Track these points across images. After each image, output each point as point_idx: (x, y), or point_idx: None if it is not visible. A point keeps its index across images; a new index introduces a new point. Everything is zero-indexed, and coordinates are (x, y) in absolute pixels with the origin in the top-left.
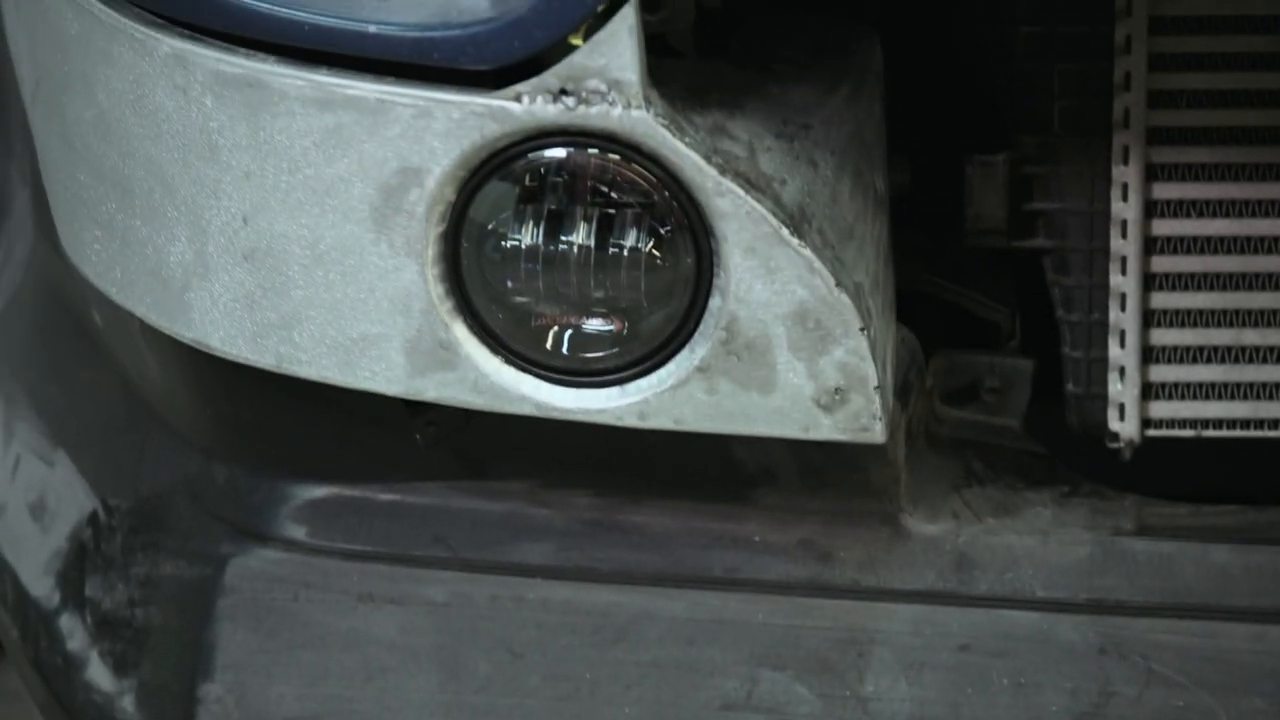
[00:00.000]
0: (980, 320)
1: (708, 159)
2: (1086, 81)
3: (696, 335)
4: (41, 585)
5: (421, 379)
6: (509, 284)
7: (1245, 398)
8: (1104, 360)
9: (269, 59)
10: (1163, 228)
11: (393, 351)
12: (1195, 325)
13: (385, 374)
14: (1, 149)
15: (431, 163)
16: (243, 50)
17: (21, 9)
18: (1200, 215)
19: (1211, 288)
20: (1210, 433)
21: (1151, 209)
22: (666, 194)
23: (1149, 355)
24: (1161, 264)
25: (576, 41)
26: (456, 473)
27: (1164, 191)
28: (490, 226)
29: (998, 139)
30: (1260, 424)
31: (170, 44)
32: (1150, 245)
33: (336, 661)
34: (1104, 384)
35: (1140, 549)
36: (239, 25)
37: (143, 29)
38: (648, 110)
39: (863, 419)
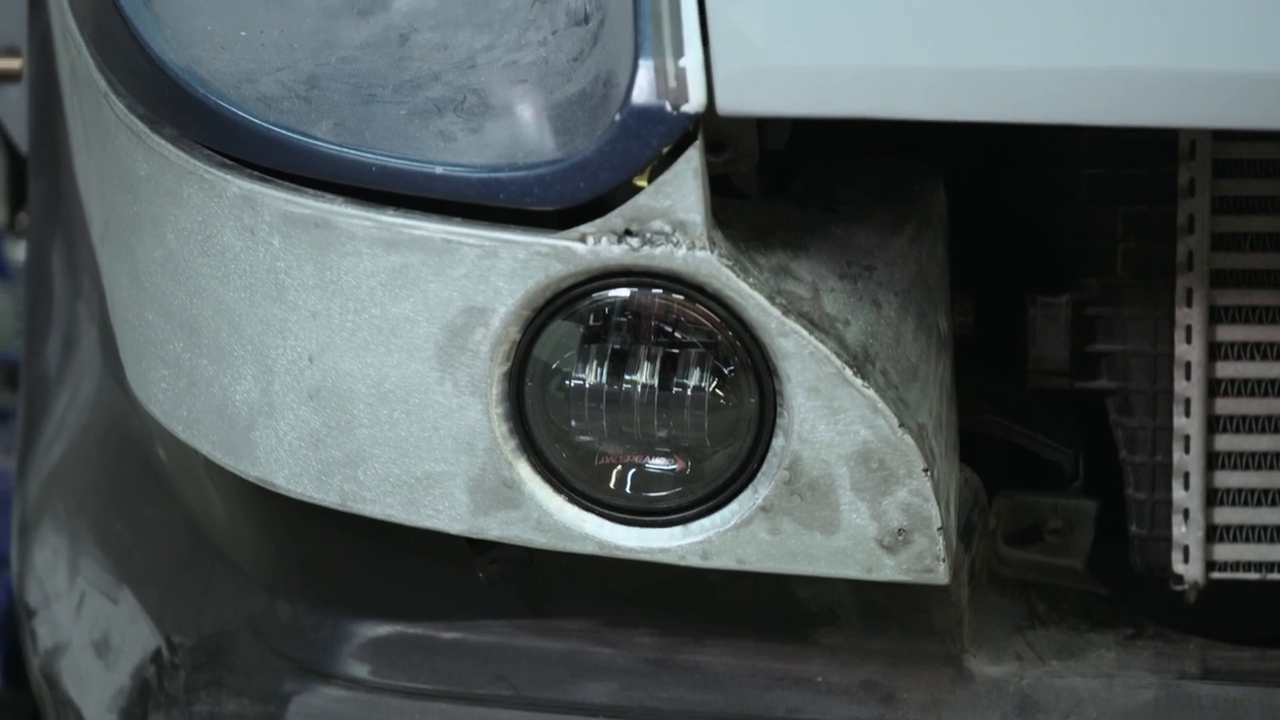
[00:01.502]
0: (1043, 461)
1: (771, 299)
2: (1150, 224)
3: (760, 475)
4: None
5: (485, 517)
6: (572, 423)
7: None
8: (1168, 502)
9: (336, 199)
10: (1226, 370)
11: (456, 490)
12: (1260, 468)
13: (449, 512)
14: (70, 287)
15: (496, 302)
16: (311, 191)
17: (92, 150)
18: (1264, 358)
19: (1276, 430)
20: (1275, 575)
21: (1215, 351)
22: (730, 334)
23: (1213, 498)
24: (1225, 406)
25: (641, 183)
26: (519, 611)
27: (1228, 334)
28: (554, 365)
29: (1061, 280)
30: None
31: (239, 185)
32: (1214, 387)
33: None
34: (1168, 526)
35: (1205, 693)
36: (307, 166)
37: (212, 170)
38: (712, 251)
39: (926, 560)
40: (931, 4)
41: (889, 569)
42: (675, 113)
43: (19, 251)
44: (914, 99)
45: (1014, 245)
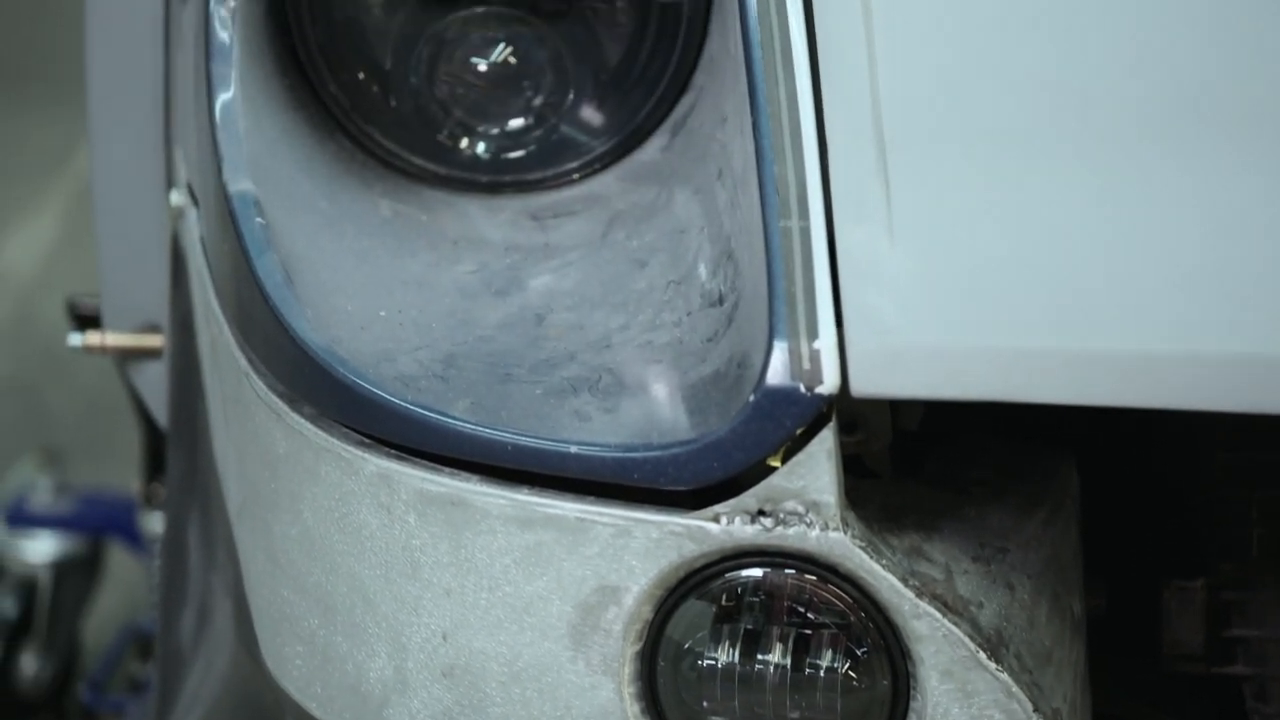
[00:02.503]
0: None
1: (905, 581)
2: None
3: None
4: None
5: None
6: (704, 703)
7: None
8: None
9: (472, 478)
10: None
11: None
12: None
13: None
14: (205, 560)
15: (630, 581)
16: (447, 469)
17: (231, 426)
18: None
19: None
20: None
21: None
22: (863, 615)
23: None
24: None
25: (775, 463)
26: None
27: None
28: (686, 645)
29: (1195, 564)
30: None
31: (376, 463)
32: None
33: None
34: None
35: None
36: (444, 445)
37: (350, 448)
38: (845, 533)
39: None
40: (1067, 288)
41: None
42: (809, 394)
43: (154, 523)
44: (1049, 383)
45: (1148, 527)
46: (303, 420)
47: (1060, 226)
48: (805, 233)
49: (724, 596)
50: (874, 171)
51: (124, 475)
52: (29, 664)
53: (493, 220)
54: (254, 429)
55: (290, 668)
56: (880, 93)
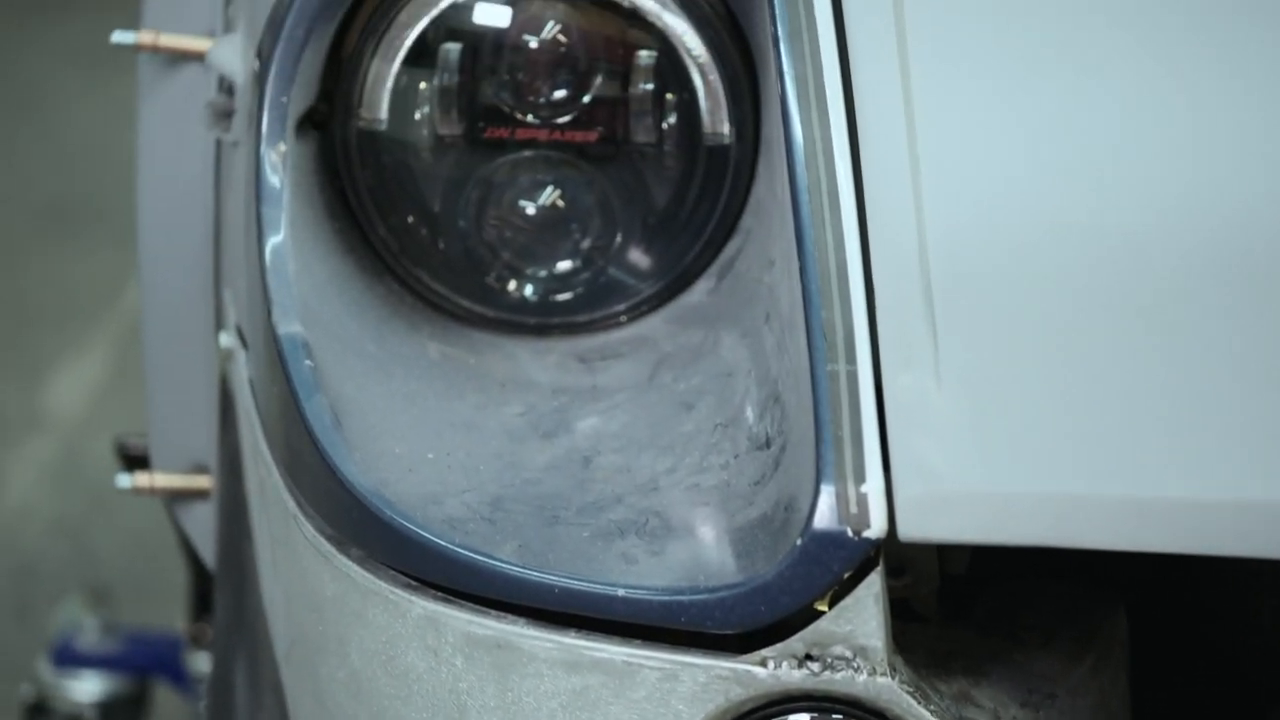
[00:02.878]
0: None
1: None
2: None
3: None
4: None
5: None
6: None
7: None
8: None
9: (519, 621)
10: None
11: None
12: None
13: None
14: (252, 702)
15: None
16: (494, 612)
17: (279, 569)
18: None
19: None
20: None
21: None
22: None
23: None
24: None
25: (822, 607)
26: None
27: None
28: None
29: (1247, 712)
30: None
31: (423, 605)
32: None
33: None
34: None
35: None
36: (491, 588)
37: (397, 591)
38: (893, 677)
39: None
40: (1116, 434)
41: None
42: (857, 538)
43: (200, 663)
44: (1098, 529)
45: (1198, 674)
46: (350, 563)
47: (1110, 373)
48: (852, 377)
49: None
50: (921, 316)
51: (171, 616)
52: None
53: (540, 362)
54: (301, 571)
55: None
56: (927, 237)
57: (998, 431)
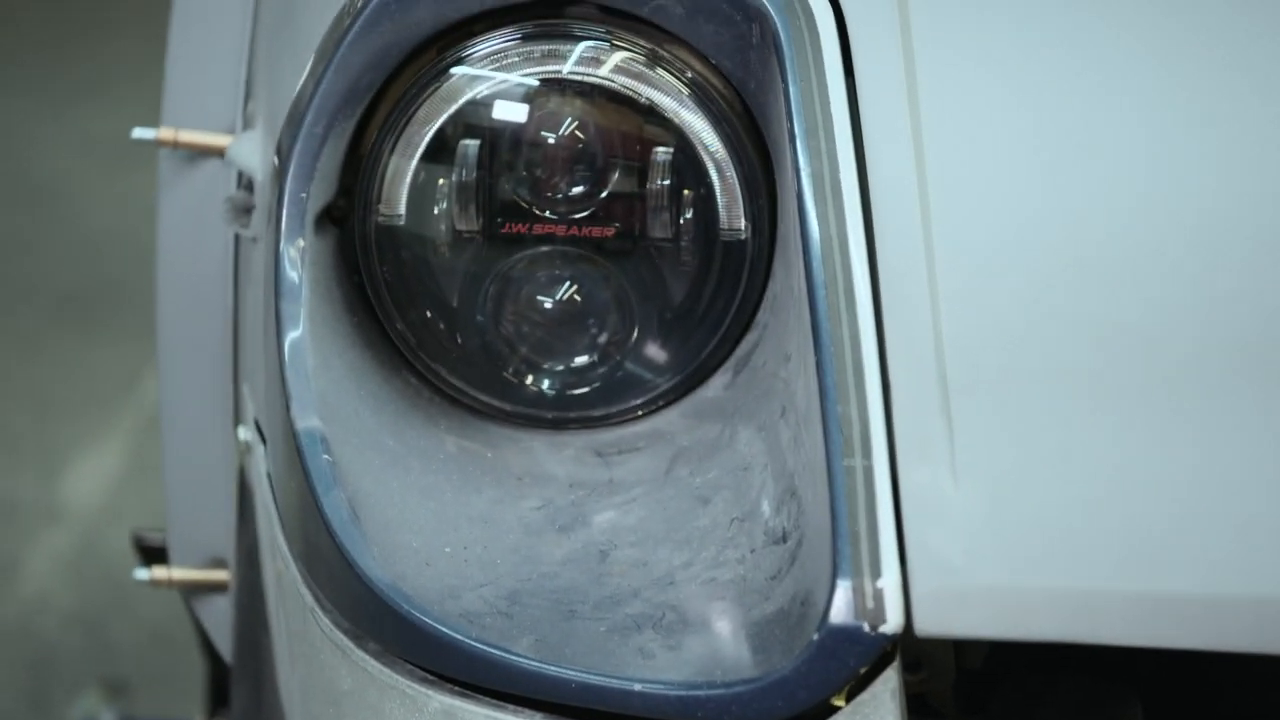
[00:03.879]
0: None
1: None
2: None
3: None
4: None
5: None
6: None
7: None
8: None
9: (537, 716)
10: None
11: None
12: None
13: None
14: None
15: None
16: (511, 707)
17: (295, 663)
18: None
19: None
20: None
21: None
22: None
23: None
24: None
25: (839, 702)
26: None
27: None
28: None
29: None
30: None
31: (440, 700)
32: None
33: None
34: None
35: None
36: (508, 683)
37: (414, 685)
38: None
39: None
40: (1132, 530)
41: None
42: (873, 633)
43: None
44: (1114, 625)
45: None
46: (367, 657)
47: (1125, 468)
48: (869, 472)
49: None
50: (937, 410)
51: (188, 709)
52: None
53: (557, 456)
54: (319, 665)
55: None
56: (943, 332)
57: (1014, 526)
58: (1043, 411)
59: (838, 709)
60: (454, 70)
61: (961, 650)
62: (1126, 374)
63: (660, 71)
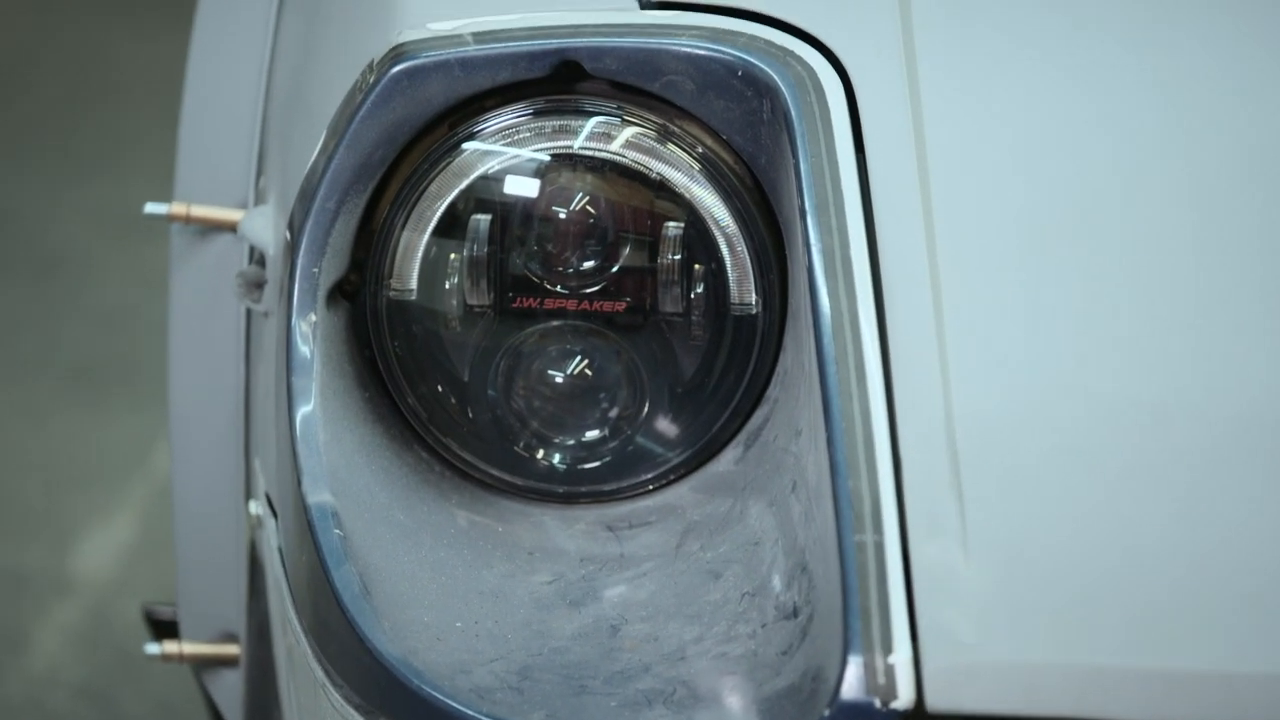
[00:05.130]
0: None
1: None
2: None
3: None
4: None
5: None
6: None
7: None
8: None
9: None
10: None
11: None
12: None
13: None
14: None
15: None
16: None
17: None
18: None
19: None
20: None
21: None
22: None
23: None
24: None
25: None
26: None
27: None
28: None
29: None
30: None
31: None
32: None
33: None
34: None
35: None
36: None
37: None
38: None
39: None
40: (1145, 605)
41: None
42: (884, 709)
43: None
44: (1127, 701)
45: None
46: None
47: (1137, 544)
48: (879, 547)
49: None
50: (948, 486)
51: None
52: None
53: (568, 531)
54: None
55: None
56: (954, 407)
57: (1026, 602)
58: (1054, 486)
59: None
60: (465, 146)
61: None
62: (1138, 449)
63: (671, 147)
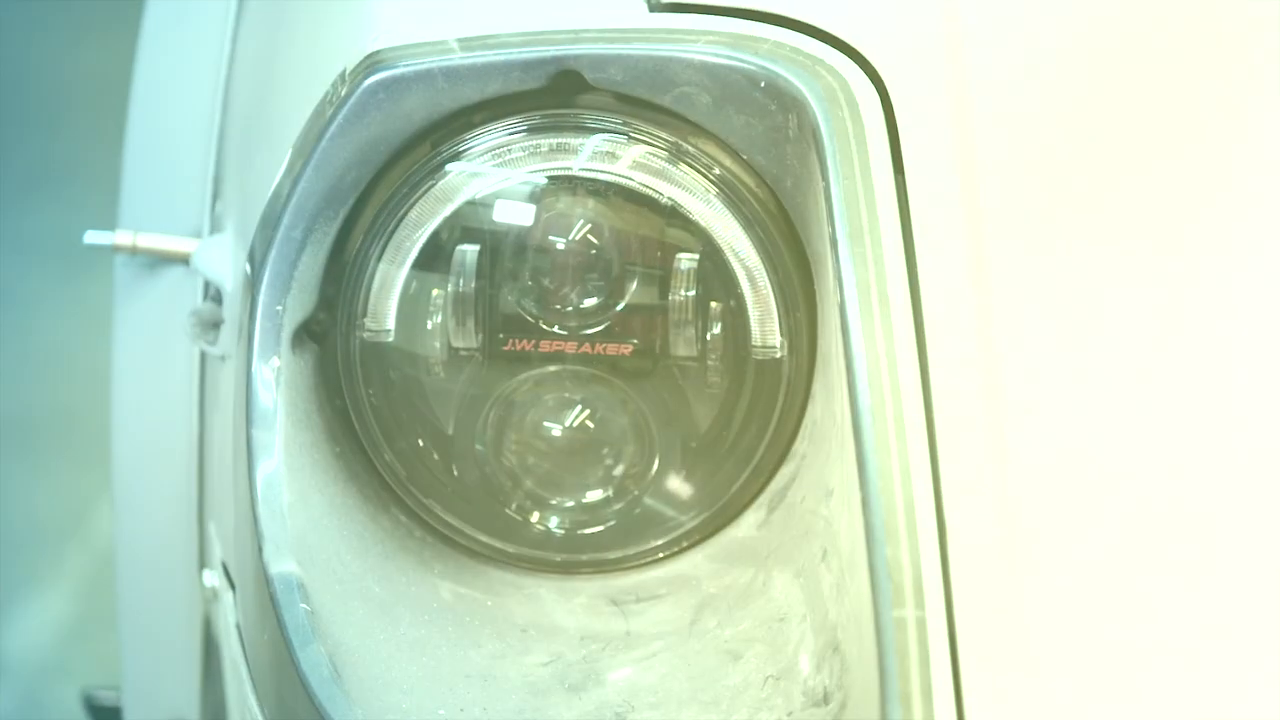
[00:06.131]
0: None
1: None
2: None
3: None
4: None
5: None
6: None
7: None
8: None
9: None
10: None
11: None
12: None
13: None
14: None
15: None
16: None
17: None
18: None
19: None
20: None
21: None
22: None
23: None
24: None
25: None
26: None
27: None
28: None
29: None
30: None
31: None
32: None
33: None
34: None
35: None
36: None
37: None
38: None
39: None
40: (1206, 692)
41: None
42: None
43: None
44: None
45: None
46: None
47: (1187, 637)
48: (922, 623)
49: None
50: (1001, 555)
51: None
52: None
53: (567, 605)
54: None
55: None
56: (1007, 465)
57: (1085, 683)
58: (1113, 560)
59: None
60: (450, 167)
61: None
62: (1187, 534)
63: (684, 168)
